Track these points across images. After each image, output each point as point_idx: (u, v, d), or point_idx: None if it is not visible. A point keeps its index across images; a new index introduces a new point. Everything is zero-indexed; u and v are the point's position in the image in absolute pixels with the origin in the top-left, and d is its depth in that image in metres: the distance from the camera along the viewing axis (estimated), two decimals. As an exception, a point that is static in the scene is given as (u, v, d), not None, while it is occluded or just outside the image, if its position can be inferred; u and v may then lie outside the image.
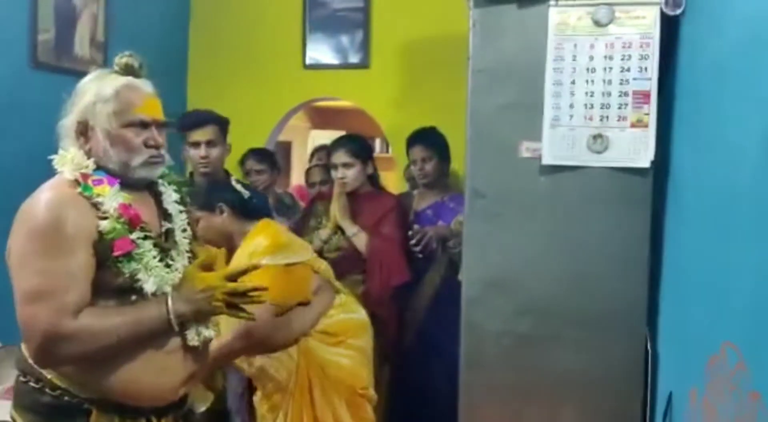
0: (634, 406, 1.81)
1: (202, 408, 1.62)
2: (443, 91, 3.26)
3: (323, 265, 2.32)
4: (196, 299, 1.41)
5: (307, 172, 3.64)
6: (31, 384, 1.38)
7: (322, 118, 6.63)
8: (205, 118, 2.52)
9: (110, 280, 1.35)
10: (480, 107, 1.93)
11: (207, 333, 1.49)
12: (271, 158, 3.29)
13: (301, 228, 2.80)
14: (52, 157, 1.43)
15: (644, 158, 1.79)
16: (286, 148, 6.22)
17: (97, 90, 1.42)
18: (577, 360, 1.86)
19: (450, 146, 2.91)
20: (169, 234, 1.50)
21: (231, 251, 2.24)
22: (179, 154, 2.54)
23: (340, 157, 2.71)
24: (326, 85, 3.67)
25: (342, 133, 6.55)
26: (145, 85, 1.48)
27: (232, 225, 2.26)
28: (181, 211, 1.57)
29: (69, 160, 1.40)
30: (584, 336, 1.86)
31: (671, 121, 1.80)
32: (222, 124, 2.55)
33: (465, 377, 1.95)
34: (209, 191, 2.33)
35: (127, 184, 1.44)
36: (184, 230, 1.55)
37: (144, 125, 1.44)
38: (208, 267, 1.51)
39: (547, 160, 1.85)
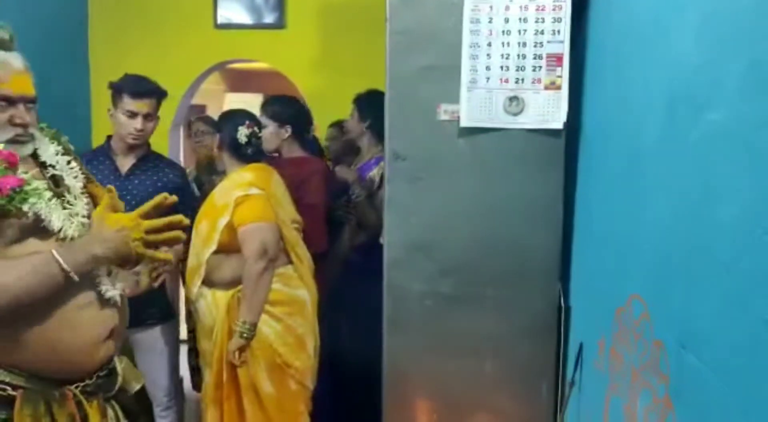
0: (549, 358, 1.91)
1: (137, 388, 1.56)
2: (361, 53, 3.22)
3: (291, 234, 2.35)
4: (112, 239, 1.35)
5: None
6: None
7: (237, 80, 6.42)
8: (149, 90, 2.37)
9: (6, 228, 1.29)
10: (398, 70, 1.91)
11: (120, 285, 1.45)
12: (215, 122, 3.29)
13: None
14: None
15: (557, 119, 1.84)
16: (200, 111, 6.00)
17: None
18: (496, 318, 1.92)
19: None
20: (57, 181, 1.45)
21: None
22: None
23: (261, 118, 2.70)
24: (240, 46, 3.54)
25: (258, 96, 6.40)
26: (13, 59, 1.39)
27: (223, 160, 2.42)
28: (68, 161, 1.50)
29: None
30: (502, 294, 1.92)
31: (583, 82, 1.86)
32: (162, 97, 2.43)
33: (388, 338, 1.98)
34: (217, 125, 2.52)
35: None
36: (75, 176, 1.49)
37: (10, 102, 1.36)
38: (114, 208, 1.45)
39: (464, 122, 1.87)
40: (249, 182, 2.29)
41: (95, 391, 1.42)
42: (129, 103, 2.33)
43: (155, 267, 2.19)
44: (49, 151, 1.47)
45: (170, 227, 1.43)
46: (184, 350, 2.74)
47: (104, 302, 1.41)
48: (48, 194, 1.35)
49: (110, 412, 1.46)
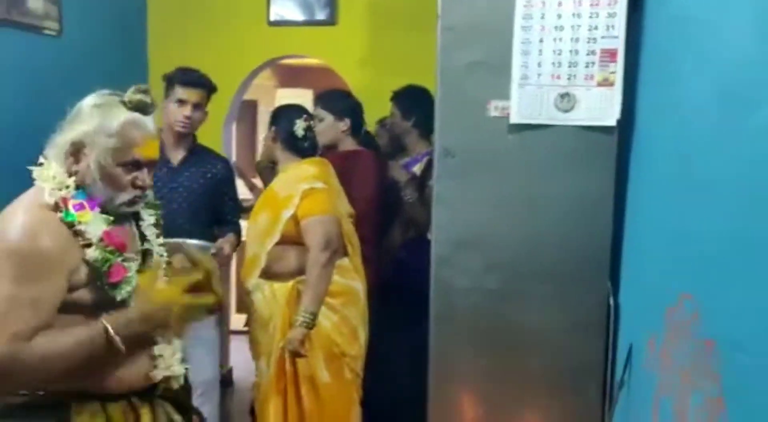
0: (597, 357, 1.89)
1: (181, 382, 1.61)
2: (411, 49, 3.23)
3: (348, 227, 2.41)
4: (155, 316, 1.40)
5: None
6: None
7: (288, 76, 6.51)
8: (199, 80, 2.47)
9: (84, 301, 1.34)
10: (449, 65, 1.92)
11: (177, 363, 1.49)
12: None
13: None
14: (32, 167, 1.40)
15: (610, 116, 1.81)
16: (252, 107, 6.12)
17: (101, 119, 1.39)
18: (543, 315, 1.91)
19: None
20: (146, 255, 1.51)
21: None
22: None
23: (316, 110, 2.73)
24: (292, 43, 3.60)
25: (308, 91, 6.48)
26: (149, 124, 1.46)
27: (280, 152, 2.43)
28: (157, 235, 1.56)
29: (50, 177, 1.37)
30: (550, 291, 1.91)
31: (637, 79, 1.83)
32: (211, 90, 2.53)
33: (434, 333, 2.00)
34: (273, 118, 2.51)
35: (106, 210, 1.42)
36: (161, 254, 1.55)
37: (138, 165, 1.43)
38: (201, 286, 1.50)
39: (515, 119, 1.87)
40: (313, 175, 2.33)
41: (147, 392, 1.47)
42: (179, 92, 2.43)
43: (217, 260, 2.27)
44: (148, 222, 1.54)
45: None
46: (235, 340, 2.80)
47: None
48: (136, 279, 1.39)
49: (161, 415, 1.50)
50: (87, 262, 1.32)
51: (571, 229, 1.88)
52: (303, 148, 2.42)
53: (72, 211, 1.33)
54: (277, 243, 2.30)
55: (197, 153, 2.54)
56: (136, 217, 1.54)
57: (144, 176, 1.44)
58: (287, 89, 6.41)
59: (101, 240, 1.34)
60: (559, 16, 1.82)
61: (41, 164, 1.40)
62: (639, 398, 1.58)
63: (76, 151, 1.39)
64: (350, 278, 2.35)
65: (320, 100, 2.79)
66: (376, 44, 3.48)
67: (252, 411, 2.95)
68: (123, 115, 1.41)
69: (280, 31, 3.57)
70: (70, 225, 1.33)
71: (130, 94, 1.44)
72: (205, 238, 2.42)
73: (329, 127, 2.72)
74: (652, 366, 1.45)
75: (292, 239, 2.28)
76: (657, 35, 1.67)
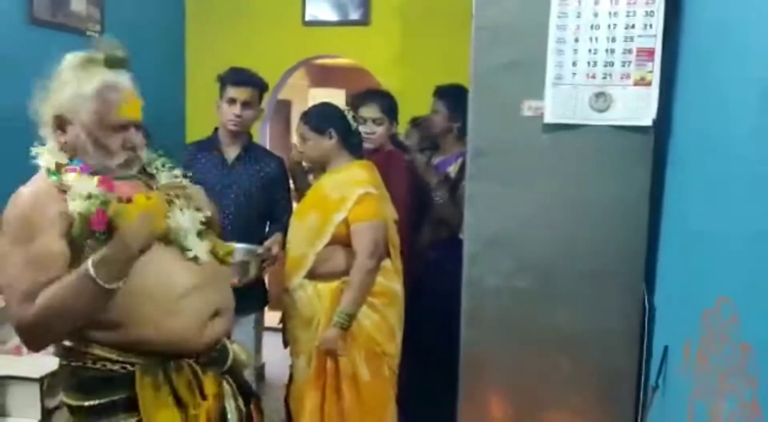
0: (630, 359, 1.87)
1: (248, 370, 1.63)
2: (444, 49, 3.23)
3: (393, 231, 2.42)
4: (139, 228, 1.33)
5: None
6: (72, 363, 1.41)
7: (321, 75, 6.56)
8: (248, 79, 2.52)
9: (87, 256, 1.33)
10: (482, 65, 1.92)
11: (201, 244, 1.48)
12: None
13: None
14: (33, 148, 1.44)
15: (646, 116, 1.79)
16: (286, 106, 6.19)
17: (77, 84, 1.40)
18: (576, 316, 1.90)
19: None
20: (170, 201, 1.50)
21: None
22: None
23: (371, 111, 2.67)
24: (326, 43, 3.64)
25: (340, 91, 6.51)
26: (125, 83, 1.44)
27: (333, 151, 2.36)
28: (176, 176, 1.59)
29: (44, 151, 1.43)
30: (583, 292, 1.90)
31: (673, 78, 1.80)
32: (262, 88, 2.57)
33: (466, 331, 2.00)
34: (323, 115, 2.40)
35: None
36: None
37: (124, 126, 1.43)
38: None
39: (549, 119, 1.86)
40: (366, 180, 2.31)
41: (208, 364, 1.49)
42: (230, 91, 2.48)
43: (263, 257, 2.30)
44: (168, 176, 1.57)
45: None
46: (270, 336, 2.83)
47: (205, 286, 1.46)
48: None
49: (226, 386, 1.52)
50: (68, 215, 1.33)
51: (605, 230, 1.86)
52: (354, 145, 2.41)
53: (59, 172, 1.38)
54: (325, 245, 2.29)
55: (252, 151, 2.59)
56: (151, 176, 1.55)
57: (132, 136, 1.44)
58: (320, 89, 6.46)
59: (96, 190, 1.36)
60: (596, 15, 1.81)
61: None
62: (673, 402, 1.56)
63: (60, 123, 1.41)
64: (391, 280, 2.36)
65: (375, 101, 2.70)
66: (409, 44, 3.49)
67: (286, 407, 3.00)
68: (98, 76, 1.41)
69: (315, 31, 3.60)
70: (58, 186, 1.37)
71: (104, 51, 1.42)
72: (256, 236, 2.44)
73: (386, 130, 2.69)
74: (687, 370, 1.43)
75: (341, 241, 2.27)
76: (696, 34, 1.64)
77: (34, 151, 1.44)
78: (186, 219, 1.47)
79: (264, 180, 2.54)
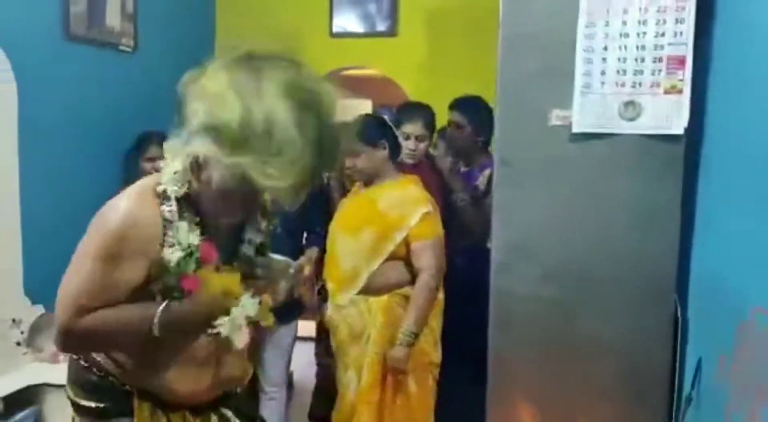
0: (663, 371, 1.84)
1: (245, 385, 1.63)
2: (471, 59, 3.24)
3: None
4: (212, 306, 1.33)
5: None
6: (81, 362, 1.43)
7: (346, 85, 6.60)
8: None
9: (155, 292, 1.33)
10: (510, 75, 1.92)
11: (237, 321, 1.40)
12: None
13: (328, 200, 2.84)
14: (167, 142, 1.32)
15: (677, 125, 1.77)
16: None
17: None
18: (605, 326, 1.88)
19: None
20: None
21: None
22: None
23: (417, 128, 2.65)
24: (353, 54, 3.67)
25: (367, 101, 6.54)
26: (292, 150, 1.26)
27: (384, 164, 2.33)
28: (255, 254, 1.49)
29: (171, 171, 1.31)
30: (613, 302, 1.87)
31: (705, 86, 1.78)
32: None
33: (493, 339, 1.99)
34: (375, 126, 2.35)
35: None
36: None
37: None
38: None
39: (577, 128, 1.85)
40: (425, 198, 2.29)
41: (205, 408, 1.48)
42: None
43: (297, 276, 2.30)
44: (252, 241, 1.48)
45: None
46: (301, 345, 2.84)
47: (227, 358, 1.43)
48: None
49: (225, 412, 1.52)
50: (162, 259, 1.30)
51: (635, 240, 1.84)
52: (398, 162, 2.38)
53: (173, 207, 1.30)
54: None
55: None
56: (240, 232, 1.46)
57: (253, 208, 1.38)
58: (346, 100, 6.49)
59: (197, 248, 1.31)
60: (624, 23, 1.80)
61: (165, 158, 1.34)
62: (708, 414, 1.53)
63: (198, 166, 1.28)
64: (438, 290, 2.37)
65: (421, 117, 2.70)
66: (436, 54, 3.50)
67: (311, 416, 3.01)
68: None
69: (342, 42, 3.64)
70: (166, 220, 1.30)
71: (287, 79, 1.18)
72: (293, 247, 2.43)
73: (427, 147, 2.71)
74: (722, 381, 1.40)
75: (395, 257, 2.26)
76: (728, 42, 1.62)
77: (162, 163, 1.33)
78: (247, 310, 1.38)
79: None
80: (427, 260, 2.23)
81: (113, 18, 2.88)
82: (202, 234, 1.32)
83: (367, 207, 2.31)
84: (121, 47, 2.93)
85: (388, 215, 2.26)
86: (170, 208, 1.30)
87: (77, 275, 1.29)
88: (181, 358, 1.39)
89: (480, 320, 2.05)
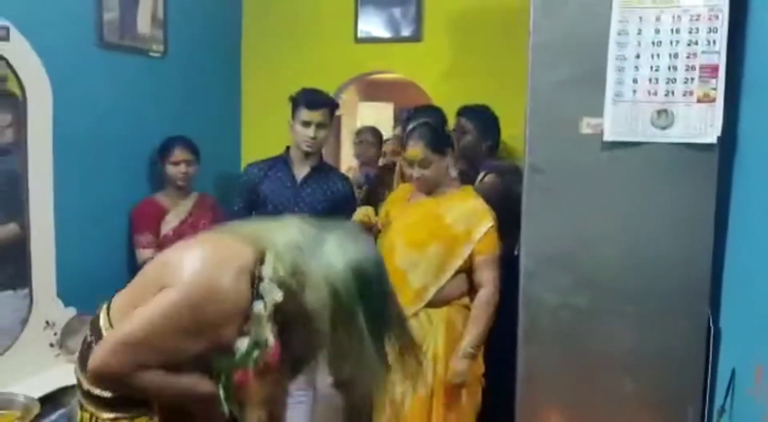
0: (696, 382, 1.82)
1: None
2: (496, 64, 3.24)
3: None
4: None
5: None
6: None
7: (369, 89, 6.64)
8: (321, 101, 2.58)
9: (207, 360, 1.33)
10: (540, 83, 1.92)
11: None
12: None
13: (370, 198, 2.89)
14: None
15: (711, 133, 1.76)
16: (336, 121, 6.27)
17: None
18: (637, 336, 1.87)
19: (501, 120, 2.94)
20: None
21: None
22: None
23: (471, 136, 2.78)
24: (378, 59, 3.68)
25: (389, 105, 6.55)
26: None
27: (446, 173, 2.30)
28: None
29: (272, 270, 1.30)
30: (644, 312, 1.87)
31: (738, 94, 1.77)
32: (334, 107, 2.62)
33: (523, 348, 1.99)
34: (443, 135, 2.29)
35: None
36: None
37: None
38: None
39: (608, 136, 1.84)
40: (488, 210, 2.25)
41: None
42: (304, 114, 2.54)
43: None
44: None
45: None
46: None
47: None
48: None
49: None
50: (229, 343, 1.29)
51: (668, 249, 1.83)
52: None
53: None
54: None
55: (321, 170, 2.64)
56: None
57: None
58: (369, 103, 6.53)
59: (265, 342, 1.29)
60: (657, 32, 1.79)
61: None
62: (742, 427, 1.51)
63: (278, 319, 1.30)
64: None
65: (469, 121, 2.81)
66: (462, 60, 3.50)
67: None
68: None
69: (367, 47, 3.65)
70: (247, 304, 1.28)
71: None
72: None
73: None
74: (759, 394, 1.39)
75: (461, 271, 2.25)
76: (761, 49, 1.61)
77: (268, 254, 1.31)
78: None
79: (331, 199, 2.58)
80: (490, 274, 2.22)
81: (144, 24, 2.92)
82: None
83: (435, 220, 2.26)
84: (152, 53, 2.97)
85: (456, 229, 2.23)
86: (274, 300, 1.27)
87: (146, 332, 1.26)
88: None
89: (508, 329, 2.05)
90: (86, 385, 1.43)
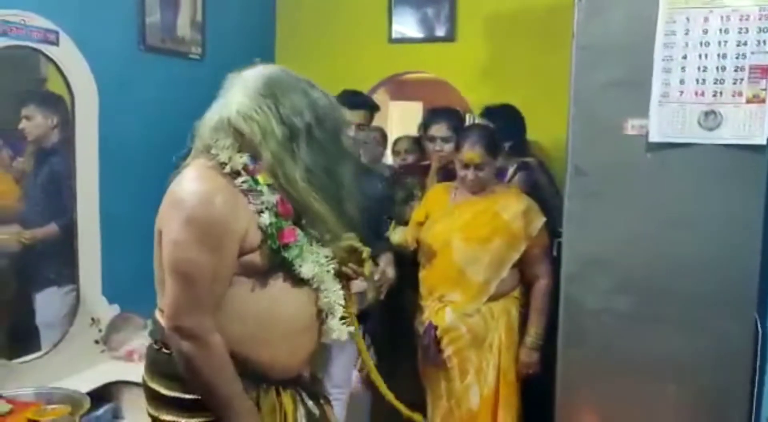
0: (742, 388, 1.80)
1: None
2: (531, 64, 3.21)
3: None
4: None
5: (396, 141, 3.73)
6: (165, 351, 1.42)
7: (399, 88, 6.63)
8: (361, 102, 2.58)
9: (254, 264, 1.38)
10: (584, 85, 1.91)
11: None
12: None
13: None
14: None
15: (760, 135, 1.74)
16: (365, 120, 6.27)
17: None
18: (681, 341, 1.85)
19: (537, 121, 2.92)
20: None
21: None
22: None
23: (442, 130, 2.72)
24: (412, 59, 3.68)
25: (418, 104, 6.53)
26: None
27: (495, 173, 2.37)
28: None
29: (222, 146, 1.40)
30: (689, 316, 1.84)
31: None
32: (374, 109, 2.62)
33: (563, 352, 1.98)
34: (495, 138, 2.33)
35: None
36: None
37: None
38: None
39: (654, 138, 1.83)
40: (538, 207, 2.31)
41: (293, 383, 1.52)
42: (346, 114, 2.54)
43: (380, 282, 2.34)
44: None
45: None
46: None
47: (319, 325, 1.49)
48: (306, 243, 1.43)
49: (297, 397, 1.53)
50: (260, 227, 1.36)
51: (714, 252, 1.81)
52: None
53: (246, 176, 1.37)
54: None
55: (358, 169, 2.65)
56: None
57: None
58: (399, 102, 6.52)
59: (275, 205, 1.38)
60: (705, 32, 1.77)
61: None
62: (794, 434, 1.49)
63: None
64: None
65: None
66: (496, 61, 3.48)
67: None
68: None
69: (401, 47, 3.65)
70: (247, 191, 1.37)
71: None
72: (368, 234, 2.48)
73: None
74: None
75: (514, 265, 2.30)
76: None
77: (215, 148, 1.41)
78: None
79: (367, 198, 2.58)
80: (545, 266, 2.27)
81: (184, 27, 2.97)
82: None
83: (493, 217, 2.31)
84: (191, 55, 3.02)
85: (514, 225, 2.28)
86: (244, 179, 1.37)
87: (187, 264, 1.31)
88: (282, 326, 1.43)
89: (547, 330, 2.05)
90: (150, 382, 1.45)
